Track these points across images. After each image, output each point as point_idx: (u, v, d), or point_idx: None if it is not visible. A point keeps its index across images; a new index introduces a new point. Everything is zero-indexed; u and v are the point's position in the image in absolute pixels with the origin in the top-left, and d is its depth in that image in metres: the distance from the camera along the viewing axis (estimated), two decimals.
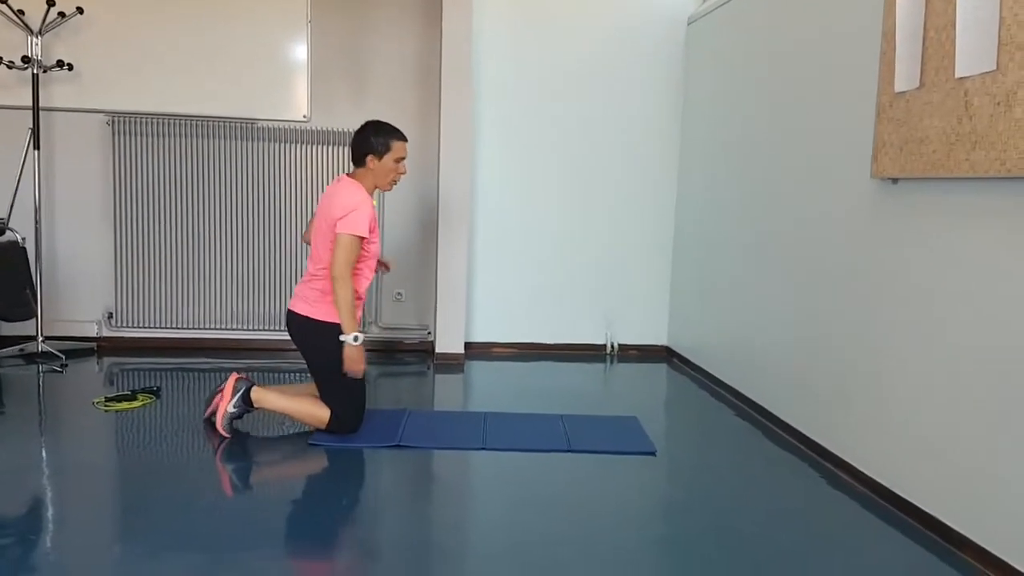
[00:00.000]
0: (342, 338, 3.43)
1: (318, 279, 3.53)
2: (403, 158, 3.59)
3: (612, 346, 5.66)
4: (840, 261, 3.44)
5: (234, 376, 3.60)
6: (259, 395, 3.56)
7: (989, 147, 2.49)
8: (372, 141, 3.53)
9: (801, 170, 3.81)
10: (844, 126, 3.41)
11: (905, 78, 2.92)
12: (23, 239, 4.85)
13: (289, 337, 3.67)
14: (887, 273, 3.10)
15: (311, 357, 3.59)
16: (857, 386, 3.29)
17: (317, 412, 3.55)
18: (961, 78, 2.62)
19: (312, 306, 3.53)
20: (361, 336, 3.44)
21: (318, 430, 3.57)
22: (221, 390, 3.59)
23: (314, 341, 3.54)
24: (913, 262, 2.94)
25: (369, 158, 3.53)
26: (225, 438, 3.53)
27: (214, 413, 3.59)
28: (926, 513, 2.82)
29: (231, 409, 3.53)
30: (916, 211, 2.93)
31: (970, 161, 2.58)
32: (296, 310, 3.58)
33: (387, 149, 3.54)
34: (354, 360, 3.45)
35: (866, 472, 3.20)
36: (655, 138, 5.54)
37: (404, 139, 3.60)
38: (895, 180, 3.05)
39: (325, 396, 3.57)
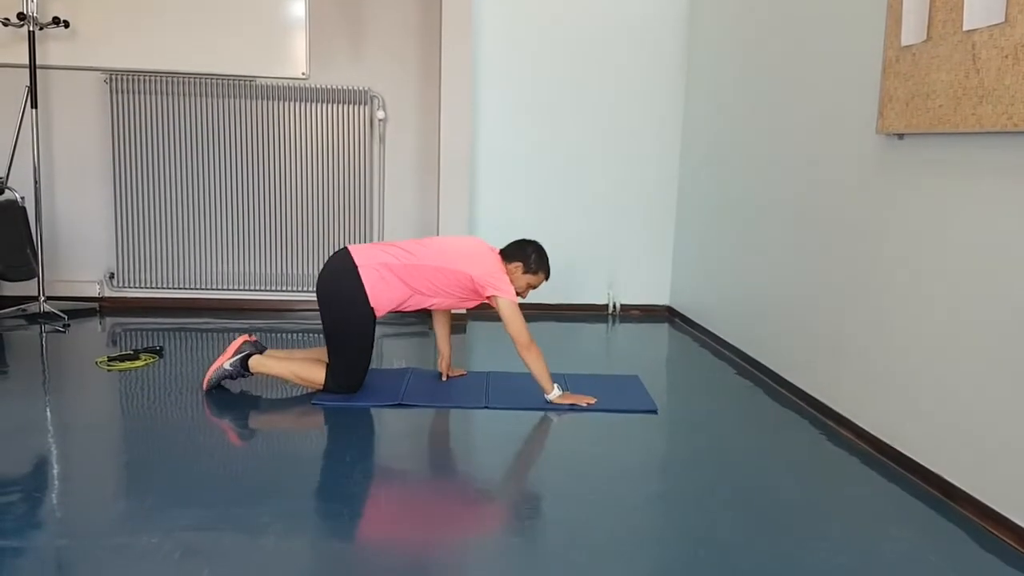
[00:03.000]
0: (548, 397, 3.52)
1: (397, 261, 3.50)
2: (535, 287, 3.73)
3: (614, 306, 5.66)
4: (844, 218, 3.41)
5: (243, 338, 3.62)
6: (257, 361, 3.58)
7: (996, 101, 2.45)
8: (532, 258, 3.66)
9: (806, 126, 3.77)
10: (850, 81, 3.37)
11: (912, 31, 2.87)
12: (22, 198, 4.83)
13: (315, 291, 3.60)
14: (892, 230, 3.08)
15: (332, 312, 3.53)
16: (859, 343, 3.29)
17: (313, 374, 3.56)
18: (969, 31, 2.58)
19: (369, 271, 3.47)
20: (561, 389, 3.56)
21: (321, 391, 3.58)
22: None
23: (344, 297, 3.48)
24: (918, 218, 2.92)
25: (517, 265, 3.64)
26: (204, 391, 3.55)
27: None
28: (926, 468, 2.83)
29: (226, 366, 3.55)
30: (922, 167, 2.91)
31: (977, 115, 2.54)
32: (354, 256, 3.51)
33: (533, 272, 3.67)
34: (573, 398, 3.57)
35: (866, 428, 3.20)
36: (659, 96, 5.48)
37: (548, 277, 3.75)
38: (901, 135, 3.01)
39: (332, 355, 3.56)
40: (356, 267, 3.48)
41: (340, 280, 3.51)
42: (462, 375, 3.96)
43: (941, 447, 2.77)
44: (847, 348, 3.38)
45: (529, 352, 3.49)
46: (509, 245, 3.71)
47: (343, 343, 3.53)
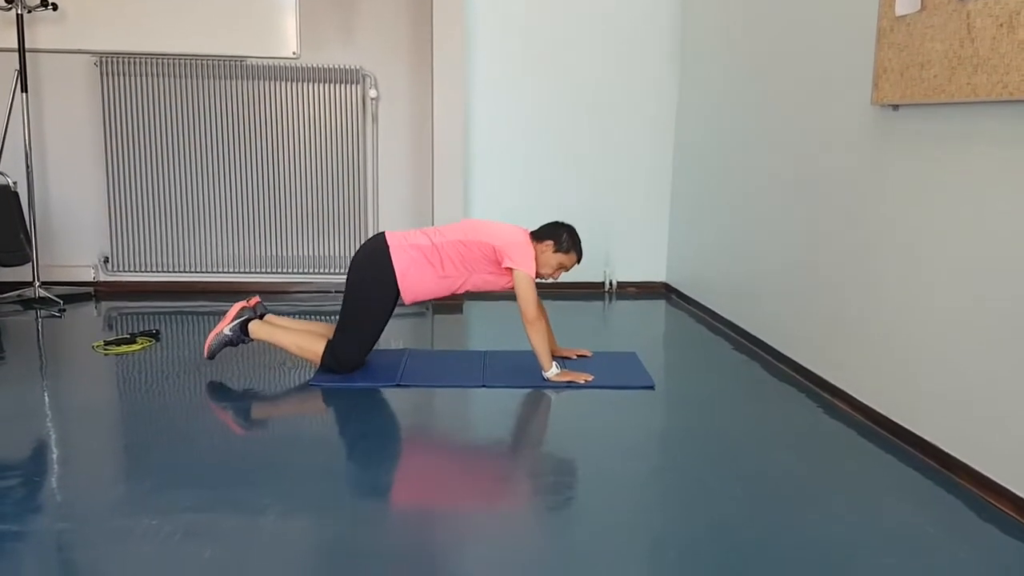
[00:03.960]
0: (545, 375, 3.51)
1: (428, 241, 3.52)
2: (567, 268, 3.71)
3: (610, 283, 5.65)
4: (840, 190, 3.40)
5: (240, 304, 3.65)
6: (256, 326, 3.59)
7: (991, 70, 2.44)
8: (564, 237, 3.65)
9: (801, 99, 3.75)
10: (844, 52, 3.35)
11: (906, 1, 2.85)
12: (15, 183, 4.81)
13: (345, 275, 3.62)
14: (888, 201, 3.07)
15: (356, 290, 3.53)
16: (856, 316, 3.29)
17: (315, 346, 3.56)
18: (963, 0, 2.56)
19: (400, 252, 3.49)
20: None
21: (318, 370, 3.58)
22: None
23: (372, 275, 3.50)
24: (914, 189, 2.91)
25: (548, 244, 3.62)
26: (206, 358, 3.60)
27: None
28: (924, 440, 2.84)
29: (226, 332, 3.57)
30: (917, 137, 2.89)
31: (972, 85, 2.53)
32: (388, 239, 3.54)
33: (565, 252, 3.65)
34: (571, 375, 3.55)
35: (863, 401, 3.21)
36: (654, 72, 5.45)
37: (580, 259, 3.74)
38: (896, 107, 3.00)
39: (338, 330, 3.57)
40: (388, 248, 3.50)
41: (371, 259, 3.53)
42: (586, 356, 3.96)
43: (939, 419, 2.78)
44: (844, 321, 3.38)
45: (533, 327, 3.49)
46: (542, 227, 3.71)
47: (357, 321, 3.54)
